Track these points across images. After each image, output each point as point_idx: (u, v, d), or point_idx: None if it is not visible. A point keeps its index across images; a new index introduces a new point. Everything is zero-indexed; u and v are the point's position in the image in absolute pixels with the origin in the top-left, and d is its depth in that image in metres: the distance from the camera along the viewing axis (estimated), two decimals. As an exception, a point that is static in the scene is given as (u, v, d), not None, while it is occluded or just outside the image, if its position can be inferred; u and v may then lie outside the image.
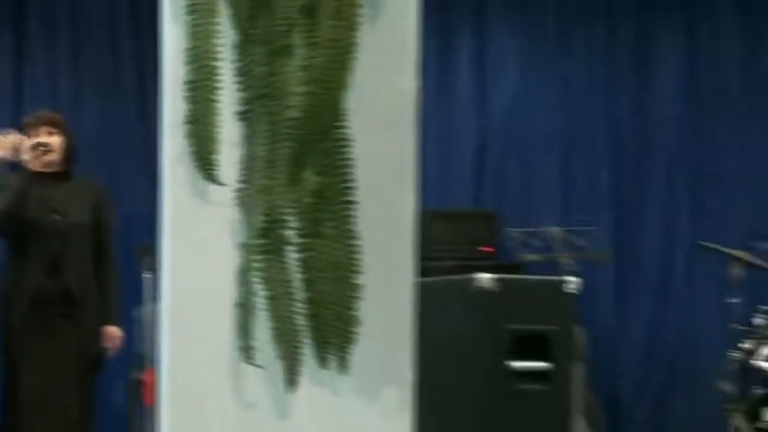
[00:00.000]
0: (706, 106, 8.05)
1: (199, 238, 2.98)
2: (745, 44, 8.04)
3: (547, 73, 8.05)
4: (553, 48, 8.06)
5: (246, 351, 2.93)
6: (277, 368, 2.94)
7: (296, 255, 2.93)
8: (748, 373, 7.04)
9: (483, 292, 5.27)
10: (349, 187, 2.94)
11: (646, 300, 7.92)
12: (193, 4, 2.91)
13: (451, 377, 5.29)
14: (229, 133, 2.95)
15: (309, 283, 2.92)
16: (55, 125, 5.15)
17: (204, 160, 2.93)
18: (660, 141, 8.04)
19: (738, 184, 8.00)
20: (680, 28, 8.05)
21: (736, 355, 6.80)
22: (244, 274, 2.93)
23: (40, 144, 5.05)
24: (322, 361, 2.96)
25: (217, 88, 2.93)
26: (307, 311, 2.93)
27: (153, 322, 5.56)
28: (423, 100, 3.05)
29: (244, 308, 2.92)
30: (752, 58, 8.04)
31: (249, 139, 2.94)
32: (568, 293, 5.50)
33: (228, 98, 2.95)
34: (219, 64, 2.93)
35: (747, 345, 6.88)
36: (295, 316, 2.92)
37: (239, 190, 2.94)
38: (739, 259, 6.90)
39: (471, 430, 5.28)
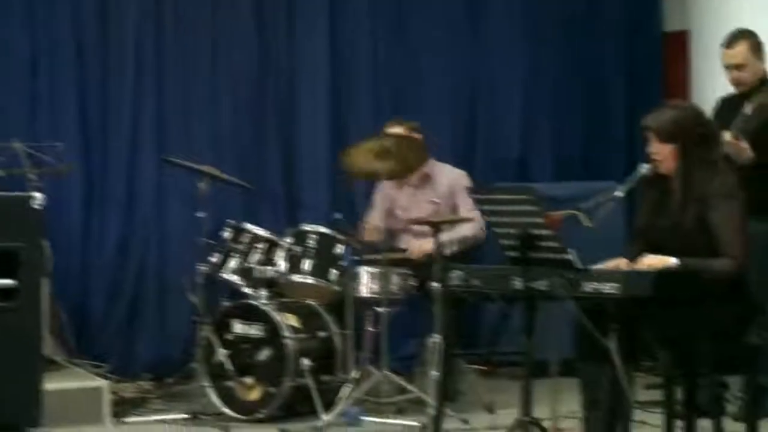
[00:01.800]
0: (169, 29, 8.19)
1: None
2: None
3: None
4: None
5: None
6: None
7: None
8: (216, 285, 7.30)
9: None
10: None
11: (115, 214, 7.93)
12: None
13: None
14: None
15: None
16: None
17: None
18: (125, 57, 8.07)
19: (200, 100, 8.21)
20: None
21: (205, 268, 7.02)
22: None
23: None
24: None
25: None
26: None
27: None
28: None
29: None
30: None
31: None
32: (34, 209, 5.46)
33: None
34: None
35: (215, 258, 7.12)
36: None
37: None
38: (206, 174, 7.07)
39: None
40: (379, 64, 8.52)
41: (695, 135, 5.06)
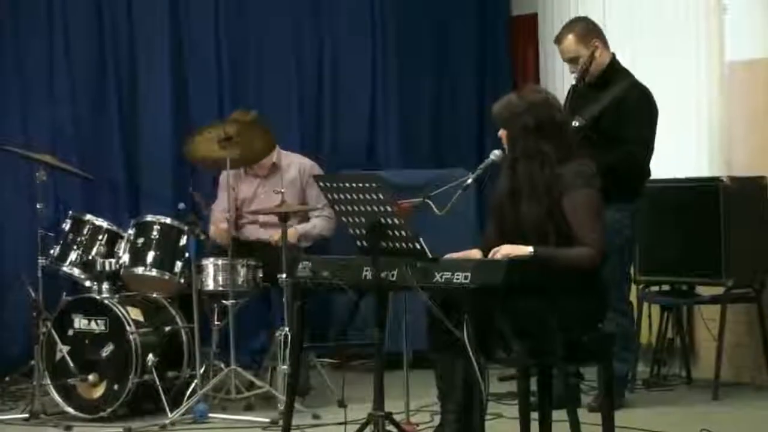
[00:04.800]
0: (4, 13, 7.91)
1: None
2: None
3: None
4: None
5: None
6: None
7: None
8: (56, 279, 7.08)
9: None
10: None
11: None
12: None
13: None
14: None
15: None
16: None
17: None
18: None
19: (36, 86, 7.94)
20: None
21: (44, 261, 6.80)
22: None
23: None
24: None
25: None
26: None
27: None
28: None
29: None
30: None
31: None
32: None
33: None
34: None
35: (54, 251, 6.90)
36: None
37: None
38: (43, 163, 6.87)
39: None
40: (221, 47, 8.34)
41: (523, 125, 4.95)
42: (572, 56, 6.39)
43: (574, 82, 6.44)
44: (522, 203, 4.94)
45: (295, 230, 7.07)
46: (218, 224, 7.09)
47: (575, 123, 6.06)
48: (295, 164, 7.30)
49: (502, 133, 5.07)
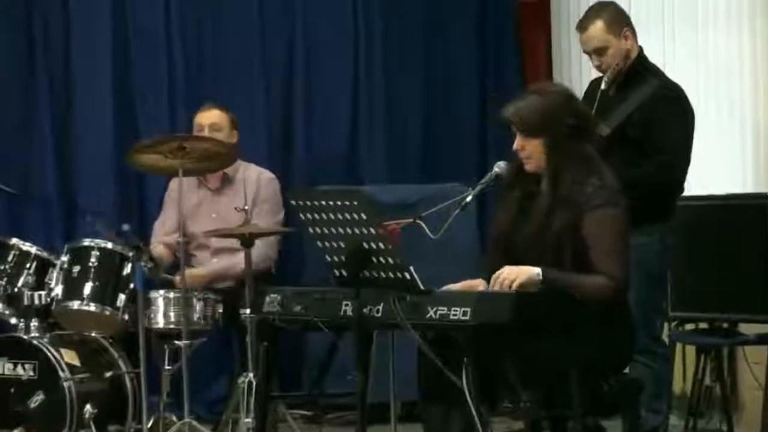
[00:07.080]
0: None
1: None
2: None
3: None
4: None
5: None
6: None
7: None
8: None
9: None
10: None
11: None
12: None
13: None
14: None
15: None
16: None
17: None
18: None
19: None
20: None
21: (-40, 294, 6.85)
22: None
23: None
24: None
25: None
26: None
27: None
28: None
29: None
30: None
31: None
32: None
33: None
34: None
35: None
36: None
37: None
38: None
39: None
40: (173, 39, 8.37)
41: (565, 126, 5.00)
42: (599, 46, 6.41)
43: (603, 86, 6.46)
44: (551, 217, 4.95)
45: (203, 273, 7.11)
46: (155, 246, 7.14)
47: (598, 132, 6.09)
48: (251, 177, 7.32)
49: (523, 142, 5.06)
